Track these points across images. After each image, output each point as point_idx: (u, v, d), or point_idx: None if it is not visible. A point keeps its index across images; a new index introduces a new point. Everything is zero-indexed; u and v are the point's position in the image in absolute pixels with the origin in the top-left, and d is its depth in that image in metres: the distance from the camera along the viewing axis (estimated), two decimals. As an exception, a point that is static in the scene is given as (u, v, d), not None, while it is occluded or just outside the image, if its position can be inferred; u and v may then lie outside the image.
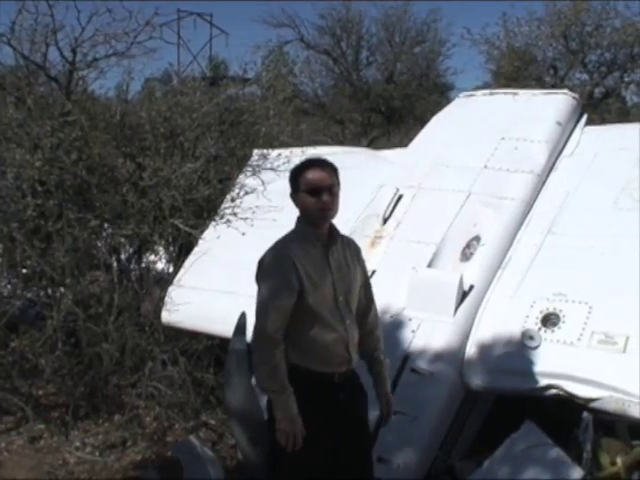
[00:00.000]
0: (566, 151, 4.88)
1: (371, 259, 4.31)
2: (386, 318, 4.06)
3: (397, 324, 4.10)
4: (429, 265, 4.34)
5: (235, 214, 5.26)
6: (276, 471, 2.78)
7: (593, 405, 3.47)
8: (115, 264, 5.40)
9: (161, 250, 5.88)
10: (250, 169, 5.84)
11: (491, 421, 4.00)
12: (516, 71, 14.62)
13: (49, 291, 5.18)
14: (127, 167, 5.24)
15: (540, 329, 3.80)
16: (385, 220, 4.79)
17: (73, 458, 4.33)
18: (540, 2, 15.54)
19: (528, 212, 4.51)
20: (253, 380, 3.04)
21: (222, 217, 5.36)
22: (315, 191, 2.66)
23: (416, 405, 3.70)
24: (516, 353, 3.78)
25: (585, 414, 3.48)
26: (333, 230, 2.78)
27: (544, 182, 4.69)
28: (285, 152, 5.72)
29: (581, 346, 3.64)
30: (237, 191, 5.56)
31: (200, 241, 5.38)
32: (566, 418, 3.58)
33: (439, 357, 3.90)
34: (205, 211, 5.66)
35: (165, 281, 5.42)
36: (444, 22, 18.52)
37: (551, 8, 14.53)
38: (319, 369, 2.71)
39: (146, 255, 5.89)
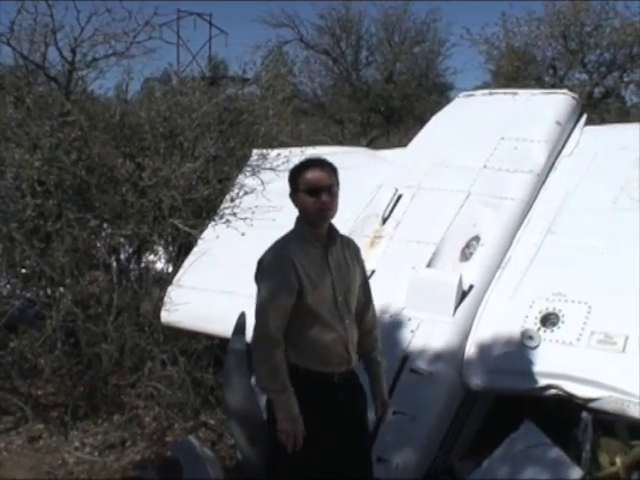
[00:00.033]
0: (565, 151, 4.88)
1: (370, 259, 4.31)
2: (385, 318, 4.06)
3: (396, 324, 4.10)
4: (428, 265, 4.34)
5: (234, 214, 5.26)
6: (275, 471, 2.78)
7: (592, 405, 3.47)
8: (114, 264, 5.40)
9: (160, 250, 5.89)
10: (249, 169, 5.84)
11: (490, 421, 4.00)
12: (515, 71, 14.62)
13: (48, 291, 5.18)
14: (126, 167, 5.25)
15: (539, 329, 3.80)
16: (384, 220, 4.79)
17: (72, 458, 4.33)
18: (539, 2, 15.63)
19: (527, 212, 4.51)
20: (252, 380, 3.04)
21: (221, 217, 5.36)
22: (314, 191, 2.65)
23: (415, 405, 3.70)
24: (515, 353, 3.78)
25: (584, 414, 3.48)
26: (332, 230, 2.78)
27: (543, 182, 4.69)
28: (284, 152, 5.72)
29: (580, 346, 3.64)
30: (236, 191, 5.56)
31: (199, 241, 5.38)
32: (565, 418, 3.58)
33: (438, 357, 3.90)
34: (204, 211, 5.66)
35: (164, 281, 5.43)
36: (444, 22, 18.60)
37: (550, 8, 14.54)
38: (318, 369, 2.71)
39: (145, 255, 5.89)
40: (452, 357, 3.91)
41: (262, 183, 5.45)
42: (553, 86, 13.20)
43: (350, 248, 2.88)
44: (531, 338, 3.77)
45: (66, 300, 4.73)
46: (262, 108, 6.38)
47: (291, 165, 2.88)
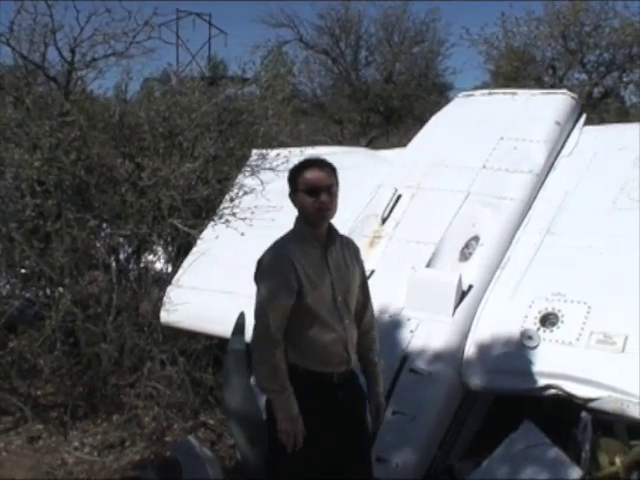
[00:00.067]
0: (565, 151, 4.88)
1: (370, 259, 4.31)
2: (385, 318, 4.06)
3: (396, 324, 4.10)
4: (428, 265, 4.34)
5: (234, 214, 5.26)
6: (275, 471, 2.78)
7: (592, 405, 3.47)
8: (114, 264, 5.40)
9: (160, 250, 5.89)
10: (249, 169, 5.84)
11: (490, 421, 4.00)
12: (515, 71, 14.61)
13: (48, 291, 5.17)
14: (126, 167, 5.25)
15: (539, 329, 3.80)
16: (384, 220, 4.79)
17: (72, 458, 4.33)
18: (539, 2, 15.61)
19: (527, 212, 4.51)
20: (252, 380, 3.04)
21: (221, 217, 5.36)
22: (313, 191, 2.65)
23: (415, 405, 3.71)
24: (515, 353, 3.78)
25: (584, 414, 3.48)
26: (332, 230, 2.78)
27: (543, 182, 4.69)
28: (284, 152, 5.72)
29: (580, 346, 3.64)
30: (236, 191, 5.56)
31: (199, 241, 5.38)
32: (565, 418, 3.58)
33: (438, 357, 3.90)
34: (204, 211, 5.66)
35: (164, 281, 5.42)
36: (443, 22, 18.72)
37: (550, 8, 14.53)
38: (318, 369, 2.71)
39: (145, 255, 5.90)
40: (451, 357, 3.91)
41: (261, 183, 5.45)
42: (552, 86, 13.20)
43: (349, 248, 2.88)
44: (530, 338, 3.76)
45: (65, 300, 4.73)
46: (261, 108, 6.38)
47: (290, 165, 2.88)
